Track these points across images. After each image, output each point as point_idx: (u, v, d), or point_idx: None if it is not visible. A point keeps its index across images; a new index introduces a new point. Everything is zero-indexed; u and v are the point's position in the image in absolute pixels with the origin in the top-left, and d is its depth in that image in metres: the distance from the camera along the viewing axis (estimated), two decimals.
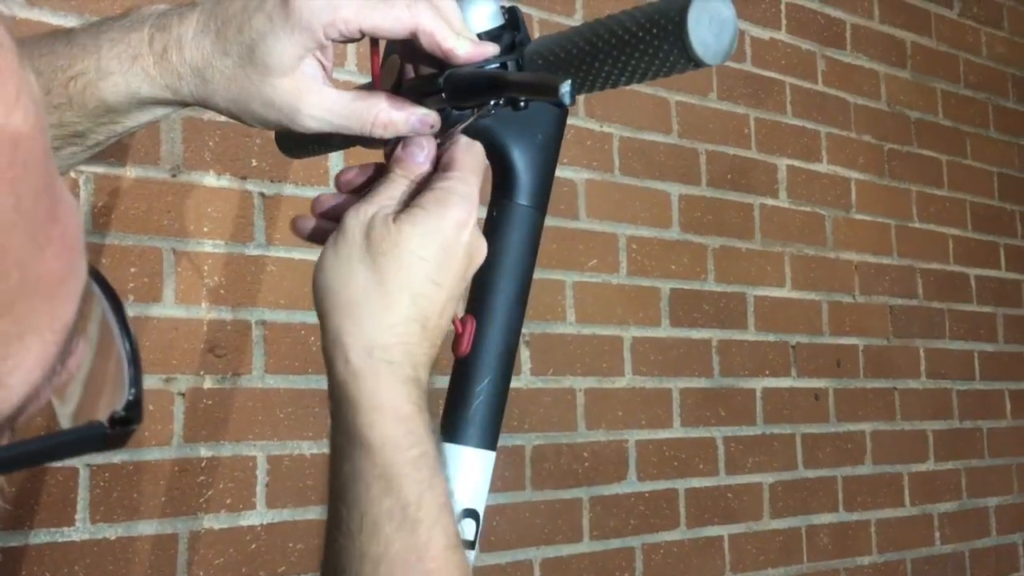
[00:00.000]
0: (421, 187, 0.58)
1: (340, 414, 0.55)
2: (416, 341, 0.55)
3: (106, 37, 0.57)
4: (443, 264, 0.56)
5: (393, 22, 0.56)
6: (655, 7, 0.52)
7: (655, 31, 0.51)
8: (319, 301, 0.57)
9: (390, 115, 0.58)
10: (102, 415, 0.33)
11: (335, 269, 0.56)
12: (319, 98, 0.57)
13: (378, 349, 0.54)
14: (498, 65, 0.58)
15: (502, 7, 0.60)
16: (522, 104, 0.55)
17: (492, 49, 0.58)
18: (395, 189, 0.58)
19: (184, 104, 0.59)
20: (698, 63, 0.52)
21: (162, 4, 0.59)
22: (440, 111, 0.58)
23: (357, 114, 0.58)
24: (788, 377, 2.15)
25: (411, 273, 0.55)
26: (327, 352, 0.56)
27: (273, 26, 0.55)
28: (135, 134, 1.38)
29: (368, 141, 0.62)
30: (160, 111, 0.60)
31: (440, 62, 0.57)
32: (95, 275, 0.34)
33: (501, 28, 0.60)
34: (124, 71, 0.57)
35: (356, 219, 0.56)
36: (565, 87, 0.50)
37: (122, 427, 0.33)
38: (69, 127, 0.58)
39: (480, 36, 0.59)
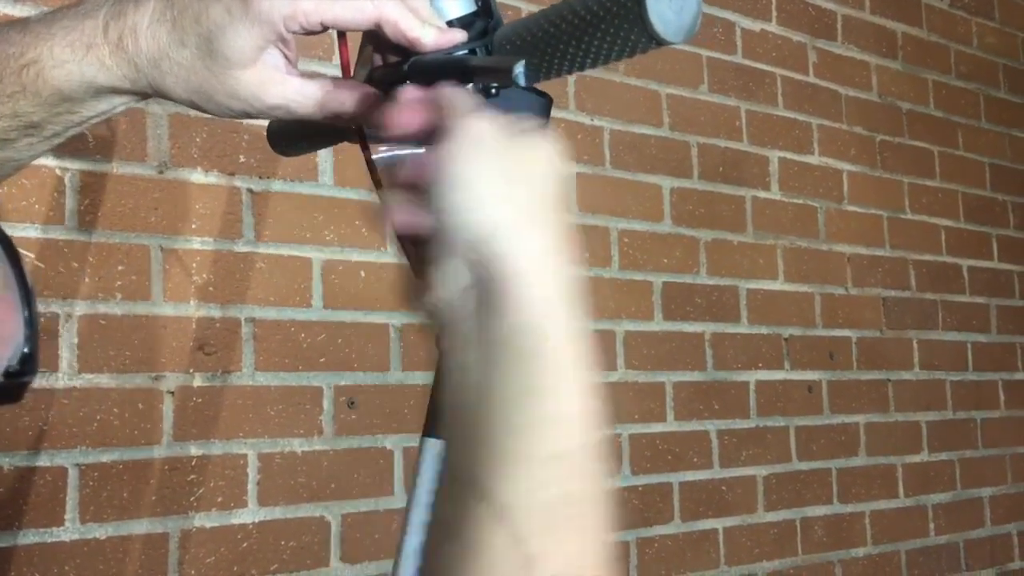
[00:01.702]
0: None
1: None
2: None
3: (60, 24, 0.56)
4: None
5: (355, 13, 0.55)
6: None
7: (615, 9, 0.51)
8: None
9: (352, 102, 0.57)
10: None
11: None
12: (282, 88, 0.56)
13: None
14: (467, 51, 0.57)
15: None
16: (493, 91, 0.54)
17: (460, 36, 0.57)
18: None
19: (144, 95, 0.57)
20: (659, 41, 0.51)
21: None
22: None
23: (320, 103, 0.57)
24: (781, 370, 2.14)
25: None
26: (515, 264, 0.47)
27: (232, 19, 0.54)
28: (120, 129, 1.37)
29: (354, 135, 0.62)
30: (119, 100, 0.58)
31: (408, 51, 0.56)
32: None
33: (474, 15, 0.59)
34: (78, 60, 0.55)
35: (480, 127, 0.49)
36: (518, 68, 0.50)
37: (15, 379, 0.34)
38: (24, 117, 0.56)
39: (452, 23, 0.59)
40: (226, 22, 0.54)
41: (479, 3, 0.60)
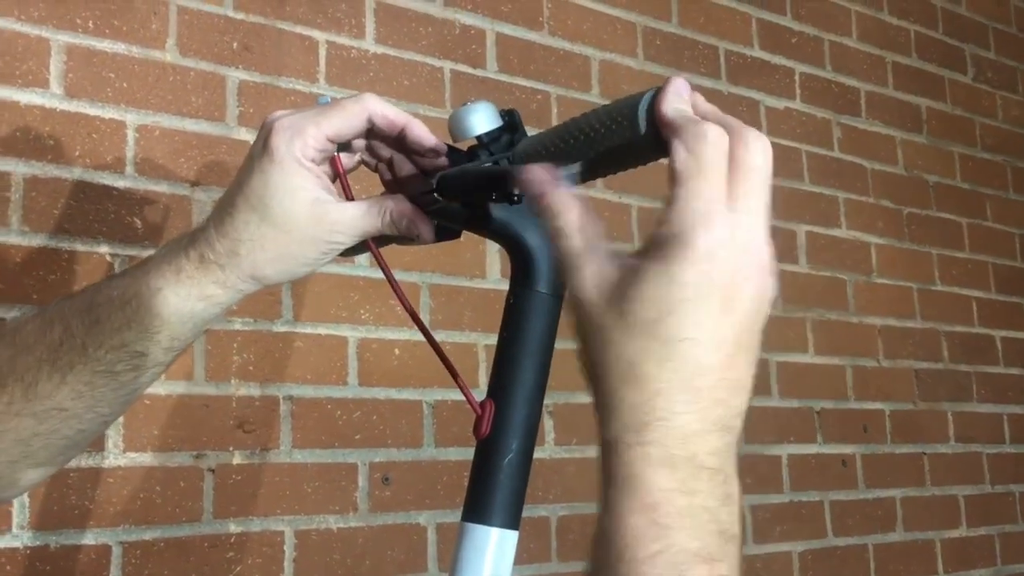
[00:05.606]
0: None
1: (601, 481, 0.48)
2: (681, 410, 0.47)
3: (152, 264, 0.65)
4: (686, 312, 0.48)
5: (349, 116, 0.63)
6: (616, 104, 0.56)
7: (614, 127, 0.55)
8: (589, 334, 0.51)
9: (398, 210, 0.65)
10: None
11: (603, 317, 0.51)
12: (341, 216, 0.64)
13: (630, 432, 0.47)
14: (492, 162, 0.64)
15: (502, 111, 0.67)
16: (515, 199, 0.60)
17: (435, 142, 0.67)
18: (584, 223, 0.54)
19: (240, 292, 0.65)
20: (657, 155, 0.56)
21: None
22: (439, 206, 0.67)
23: (373, 215, 0.65)
24: (814, 443, 2.14)
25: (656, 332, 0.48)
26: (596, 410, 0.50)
27: (263, 172, 0.62)
28: (166, 216, 1.42)
29: (401, 240, 0.68)
30: (212, 311, 0.65)
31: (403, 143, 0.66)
32: None
33: (500, 129, 0.66)
34: (172, 285, 0.64)
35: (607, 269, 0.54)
36: None
37: None
38: (130, 347, 0.64)
39: (480, 137, 0.66)
40: (261, 180, 0.62)
41: (505, 119, 0.66)
